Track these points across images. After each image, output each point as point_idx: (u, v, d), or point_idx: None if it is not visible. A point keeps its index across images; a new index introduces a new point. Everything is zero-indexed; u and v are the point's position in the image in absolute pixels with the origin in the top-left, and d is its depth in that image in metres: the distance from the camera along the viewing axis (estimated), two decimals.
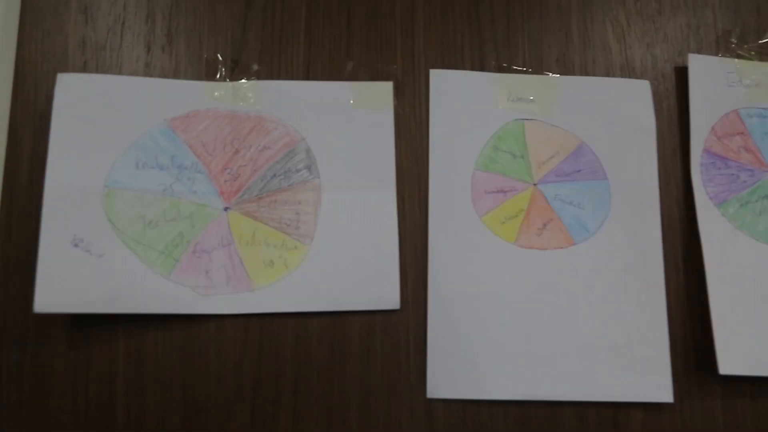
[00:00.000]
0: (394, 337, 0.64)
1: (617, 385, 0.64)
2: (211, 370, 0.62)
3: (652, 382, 0.64)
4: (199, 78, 0.67)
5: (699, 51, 0.72)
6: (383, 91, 0.68)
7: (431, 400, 0.63)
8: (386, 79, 0.69)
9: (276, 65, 0.69)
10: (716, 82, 0.71)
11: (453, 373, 0.63)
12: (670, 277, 0.67)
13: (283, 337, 0.63)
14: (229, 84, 0.67)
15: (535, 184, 0.68)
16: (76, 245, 0.61)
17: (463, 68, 0.70)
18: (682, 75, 0.70)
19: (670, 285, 0.67)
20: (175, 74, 0.67)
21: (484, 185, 0.67)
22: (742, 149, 0.69)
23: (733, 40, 0.72)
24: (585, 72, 0.71)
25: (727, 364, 0.63)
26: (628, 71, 0.71)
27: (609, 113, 0.69)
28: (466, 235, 0.66)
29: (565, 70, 0.71)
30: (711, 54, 0.72)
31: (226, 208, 0.64)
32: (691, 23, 0.73)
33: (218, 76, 0.67)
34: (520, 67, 0.70)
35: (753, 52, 0.72)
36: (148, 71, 0.67)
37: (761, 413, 0.65)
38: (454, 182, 0.67)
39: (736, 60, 0.71)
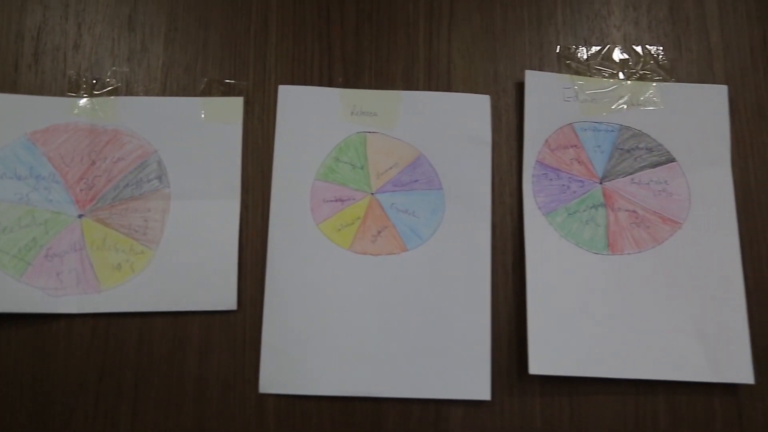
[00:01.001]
0: (231, 335, 0.70)
1: (439, 383, 0.69)
2: (60, 365, 0.68)
3: (472, 381, 0.69)
4: (62, 94, 0.74)
5: (541, 67, 0.77)
6: (233, 105, 0.74)
7: (263, 395, 0.69)
8: (238, 94, 0.75)
9: (134, 82, 0.75)
10: (552, 97, 0.75)
11: (284, 370, 0.69)
12: (498, 282, 0.72)
13: (127, 335, 0.70)
14: (89, 100, 0.73)
15: (372, 194, 0.73)
16: None
17: (312, 84, 0.75)
18: (522, 90, 0.75)
19: (498, 290, 0.71)
20: (40, 91, 0.74)
21: (323, 194, 0.73)
22: (574, 161, 0.74)
23: (572, 57, 0.77)
24: (429, 87, 0.76)
25: (537, 365, 0.68)
26: (471, 86, 0.76)
27: (448, 126, 0.74)
28: (303, 242, 0.71)
29: (410, 85, 0.76)
30: (551, 70, 0.76)
31: (80, 216, 0.71)
32: (534, 41, 0.78)
33: (79, 92, 0.74)
34: (366, 83, 0.76)
35: (590, 69, 0.76)
36: (15, 88, 0.74)
37: (577, 411, 0.70)
38: (295, 191, 0.73)
39: (573, 76, 0.76)
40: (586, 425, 0.69)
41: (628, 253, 0.72)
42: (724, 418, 0.70)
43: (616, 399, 0.70)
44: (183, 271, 0.70)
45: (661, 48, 0.77)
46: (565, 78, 0.76)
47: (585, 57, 0.76)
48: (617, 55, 0.77)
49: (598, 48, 0.77)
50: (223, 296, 0.69)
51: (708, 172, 0.74)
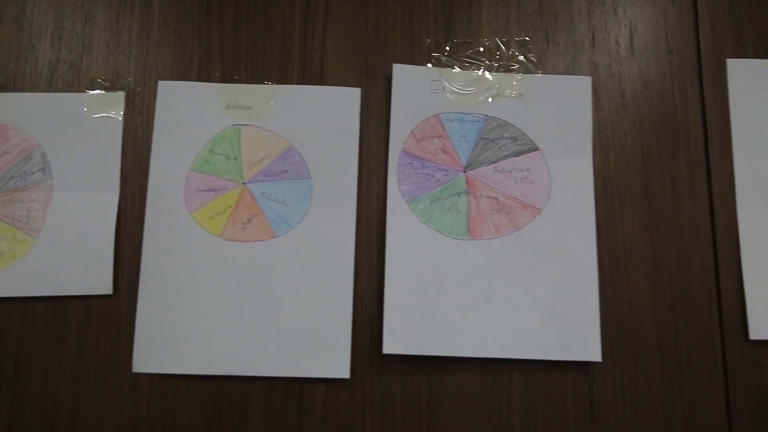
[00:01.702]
0: (107, 318, 0.75)
1: (302, 362, 0.73)
2: None
3: (333, 360, 0.73)
4: None
5: (412, 61, 0.81)
6: (115, 101, 0.79)
7: (136, 374, 0.74)
8: (120, 90, 0.79)
9: (21, 79, 0.79)
10: (419, 90, 0.79)
11: (156, 350, 0.73)
12: (362, 267, 0.76)
13: (9, 319, 0.75)
14: None
15: (244, 183, 0.77)
16: None
17: (191, 80, 0.80)
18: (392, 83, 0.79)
19: (362, 275, 0.76)
20: None
21: (197, 184, 0.77)
22: (439, 150, 0.78)
23: (441, 50, 0.80)
24: (303, 81, 0.80)
25: (391, 344, 0.72)
26: (344, 80, 0.80)
27: (319, 119, 0.79)
28: (176, 229, 0.76)
29: (284, 80, 0.80)
30: (422, 64, 0.80)
31: None
32: (405, 35, 0.81)
33: None
34: (243, 78, 0.80)
35: (459, 62, 0.80)
36: None
37: (435, 390, 0.74)
38: (170, 182, 0.77)
39: (441, 69, 0.80)
40: (443, 403, 0.73)
41: (488, 238, 0.76)
42: (576, 394, 0.74)
43: (473, 378, 0.74)
44: (62, 258, 0.74)
45: (529, 41, 0.81)
46: (432, 71, 0.79)
47: (454, 50, 0.80)
48: (486, 48, 0.80)
49: (468, 41, 0.80)
50: (100, 281, 0.74)
51: (569, 160, 0.78)
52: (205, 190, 0.76)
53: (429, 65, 0.79)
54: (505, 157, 0.78)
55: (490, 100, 0.78)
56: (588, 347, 0.73)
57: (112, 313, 0.74)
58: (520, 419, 0.73)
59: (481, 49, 0.80)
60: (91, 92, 0.78)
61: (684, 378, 0.74)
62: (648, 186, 0.78)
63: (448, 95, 0.78)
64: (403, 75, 0.79)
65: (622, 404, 0.73)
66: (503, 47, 0.80)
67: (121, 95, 0.78)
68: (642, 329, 0.75)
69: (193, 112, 0.78)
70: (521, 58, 0.80)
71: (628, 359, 0.74)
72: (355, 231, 0.76)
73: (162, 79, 0.79)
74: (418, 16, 0.81)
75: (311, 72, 0.80)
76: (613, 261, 0.76)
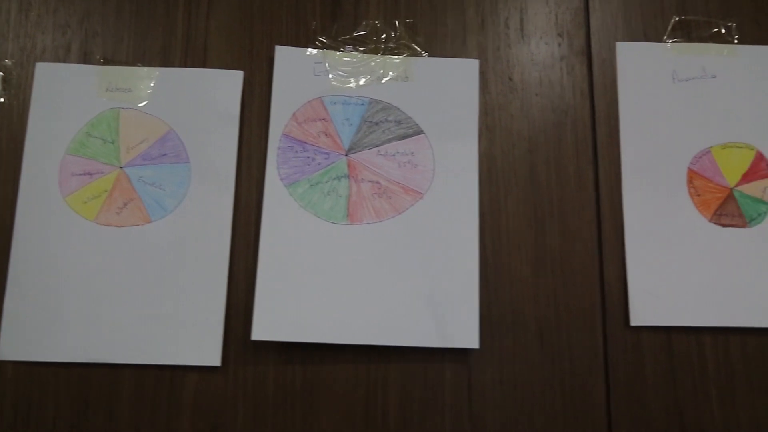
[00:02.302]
0: None
1: (173, 350, 0.72)
2: None
3: (204, 347, 0.72)
4: None
5: (297, 44, 0.79)
6: None
7: (2, 362, 0.72)
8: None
9: None
10: (302, 72, 0.78)
11: (24, 337, 0.72)
12: (239, 252, 0.75)
13: None
14: None
15: (121, 167, 0.76)
16: None
17: (71, 62, 0.78)
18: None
19: (239, 260, 0.74)
20: None
21: (72, 168, 0.76)
22: (321, 134, 0.77)
23: (327, 33, 0.79)
24: (185, 64, 0.79)
25: (260, 331, 0.71)
26: (227, 63, 0.79)
27: (200, 102, 0.77)
28: (49, 214, 0.74)
29: (167, 62, 0.79)
30: (308, 46, 0.79)
31: None
32: (291, 18, 0.80)
33: None
34: (124, 61, 0.79)
35: (344, 45, 0.79)
36: None
37: (309, 378, 0.73)
38: (44, 166, 0.76)
39: (326, 51, 0.79)
40: (317, 391, 0.72)
41: (367, 223, 0.75)
42: (453, 382, 0.73)
43: (349, 365, 0.73)
44: None
45: (417, 23, 0.80)
46: (316, 53, 0.78)
47: (340, 33, 0.79)
48: (373, 30, 0.79)
49: (355, 24, 0.79)
50: None
51: (455, 144, 0.77)
52: (81, 174, 0.75)
53: (313, 47, 0.78)
54: (389, 141, 0.76)
55: (375, 82, 0.77)
56: (466, 334, 0.72)
57: None
58: (396, 408, 0.72)
59: (368, 32, 0.79)
60: None
61: (564, 364, 0.73)
62: (534, 170, 0.77)
63: (331, 78, 0.77)
64: (285, 57, 0.78)
65: (501, 391, 0.73)
66: (391, 30, 0.79)
67: None
68: (523, 315, 0.74)
69: (71, 94, 0.77)
70: (408, 41, 0.79)
71: (507, 346, 0.73)
72: (233, 216, 0.74)
73: (41, 61, 0.78)
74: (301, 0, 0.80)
75: (194, 54, 0.78)
76: (496, 246, 0.75)
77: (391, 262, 0.73)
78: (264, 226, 0.73)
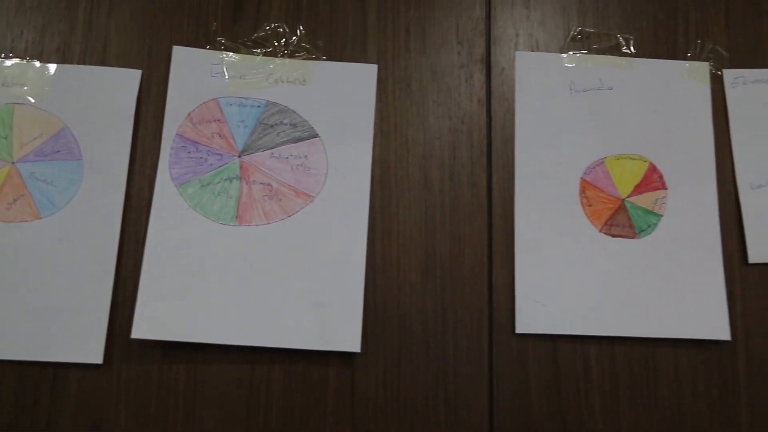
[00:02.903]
0: None
1: (55, 346, 0.72)
2: None
3: (86, 345, 0.72)
4: None
5: (197, 44, 0.80)
6: None
7: None
8: None
9: None
10: (199, 73, 0.79)
11: None
12: (129, 250, 0.75)
13: None
14: None
15: (13, 163, 0.76)
16: None
17: None
18: None
19: (127, 258, 0.75)
20: None
21: None
22: (216, 135, 0.78)
23: (227, 34, 0.80)
24: (84, 61, 0.79)
25: (141, 329, 0.72)
26: (126, 61, 0.80)
27: (95, 100, 0.78)
28: None
29: (66, 59, 0.79)
30: (209, 47, 0.80)
31: None
32: (192, 18, 0.81)
33: None
34: (21, 56, 0.79)
35: (243, 47, 0.80)
36: None
37: (193, 378, 0.73)
38: None
39: (224, 53, 0.79)
40: (201, 392, 0.73)
41: (256, 225, 0.75)
42: (337, 385, 0.74)
43: (233, 366, 0.73)
44: None
45: (318, 27, 0.81)
46: (214, 54, 0.79)
47: (240, 34, 0.80)
48: (273, 33, 0.80)
49: (255, 26, 0.80)
50: None
51: (349, 148, 0.78)
52: None
53: (212, 49, 0.79)
54: (283, 143, 0.77)
55: (272, 85, 0.78)
56: (348, 338, 0.73)
57: None
58: (279, 410, 0.72)
59: (269, 35, 0.80)
60: None
61: (449, 369, 0.74)
62: (427, 176, 0.78)
63: (228, 79, 0.78)
64: (183, 58, 0.78)
65: (384, 395, 0.73)
66: (291, 33, 0.80)
67: None
68: (410, 319, 0.75)
69: None
70: (308, 44, 0.80)
71: (393, 350, 0.74)
72: (124, 214, 0.75)
73: None
74: (206, 0, 0.81)
75: (94, 52, 0.79)
76: (385, 250, 0.76)
77: (277, 264, 0.74)
78: (151, 225, 0.74)
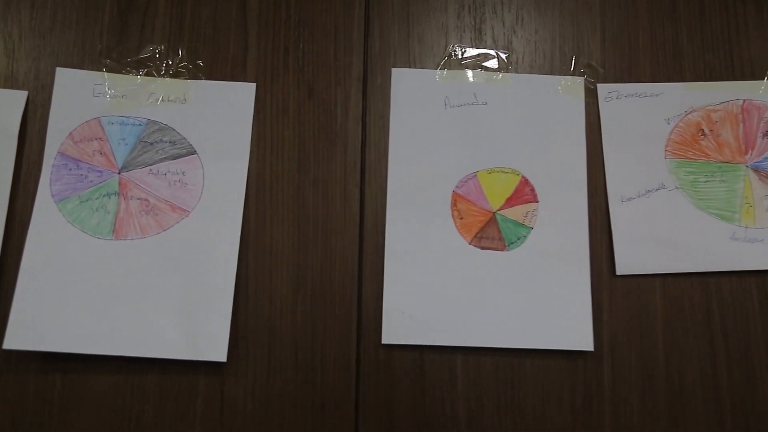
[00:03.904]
0: None
1: None
2: None
3: None
4: None
5: (82, 64, 0.84)
6: None
7: None
8: None
9: None
10: (82, 93, 0.83)
11: None
12: (11, 266, 0.79)
13: None
14: None
15: None
16: None
17: None
18: None
19: (8, 273, 0.79)
20: None
21: None
22: (96, 152, 0.82)
23: (111, 56, 0.84)
24: None
25: (13, 340, 0.76)
26: (12, 83, 0.84)
27: None
28: None
29: None
30: (93, 67, 0.84)
31: None
32: (79, 38, 0.85)
33: None
34: None
35: (126, 67, 0.84)
36: None
37: (68, 388, 0.77)
38: None
39: (108, 74, 0.84)
40: (75, 402, 0.76)
41: (132, 239, 0.79)
42: (206, 394, 0.77)
43: (109, 376, 0.77)
44: None
45: (198, 48, 0.85)
46: (97, 75, 0.83)
47: (124, 55, 0.84)
48: (155, 53, 0.84)
49: (139, 46, 0.84)
50: None
51: (225, 164, 0.82)
52: None
53: (96, 69, 0.83)
54: (162, 160, 0.81)
55: (153, 104, 0.82)
56: (215, 348, 0.76)
57: None
58: (150, 419, 0.76)
59: (151, 55, 0.84)
60: None
61: (316, 380, 0.77)
62: (301, 191, 0.81)
63: (110, 99, 0.82)
64: (66, 78, 0.82)
65: (253, 404, 0.76)
66: (174, 54, 0.84)
67: None
68: (280, 331, 0.78)
69: None
70: (190, 64, 0.83)
71: (262, 360, 0.77)
72: (6, 230, 0.78)
73: None
74: (93, 20, 0.85)
75: None
76: (258, 263, 0.79)
77: (150, 277, 0.77)
78: (28, 240, 0.78)
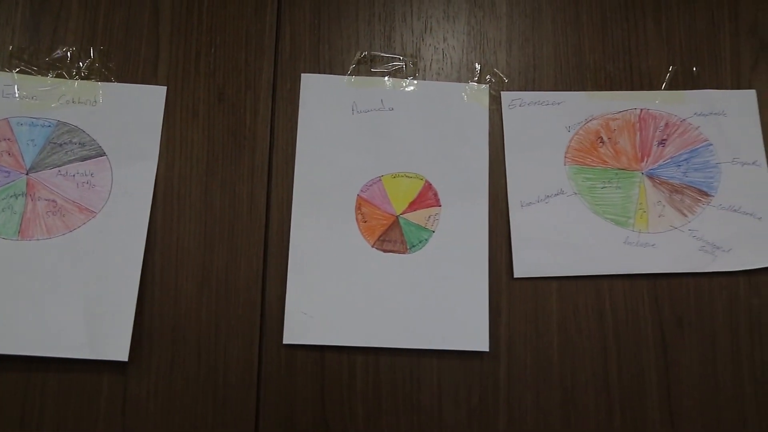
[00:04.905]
0: None
1: None
2: None
3: None
4: None
5: None
6: None
7: None
8: None
9: None
10: None
11: None
12: None
13: None
14: None
15: None
16: None
17: None
18: None
19: None
20: None
21: None
22: (5, 153, 0.83)
23: (22, 56, 0.86)
24: None
25: None
26: None
27: None
28: None
29: None
30: (4, 68, 0.85)
31: None
32: None
33: None
34: None
35: (37, 68, 0.85)
36: None
37: None
38: None
39: (18, 74, 0.85)
40: None
41: (38, 239, 0.81)
42: (109, 393, 0.79)
43: (10, 374, 0.78)
44: None
45: (109, 50, 0.86)
46: (7, 76, 0.85)
47: (35, 56, 0.85)
48: (67, 55, 0.86)
49: (51, 48, 0.86)
50: None
51: (134, 166, 0.84)
52: None
53: (5, 70, 0.84)
54: (71, 162, 0.83)
55: (64, 106, 0.84)
56: (117, 347, 0.78)
57: None
58: (51, 417, 0.77)
59: (63, 56, 0.85)
60: None
61: (219, 379, 0.79)
62: (208, 192, 0.83)
63: (20, 100, 0.84)
64: None
65: (155, 402, 0.79)
66: (85, 56, 0.86)
67: None
68: (184, 330, 0.80)
69: None
70: (101, 66, 0.85)
71: (166, 359, 0.79)
72: None
73: None
74: (4, 21, 0.87)
75: None
76: (164, 264, 0.81)
77: (55, 277, 0.79)
78: None
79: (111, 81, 0.85)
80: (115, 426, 0.78)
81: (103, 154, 0.83)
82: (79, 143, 0.83)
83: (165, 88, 0.85)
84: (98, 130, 0.84)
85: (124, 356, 0.77)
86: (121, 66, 0.86)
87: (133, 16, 0.88)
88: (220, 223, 0.83)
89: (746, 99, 0.87)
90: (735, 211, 0.84)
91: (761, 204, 0.84)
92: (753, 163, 0.85)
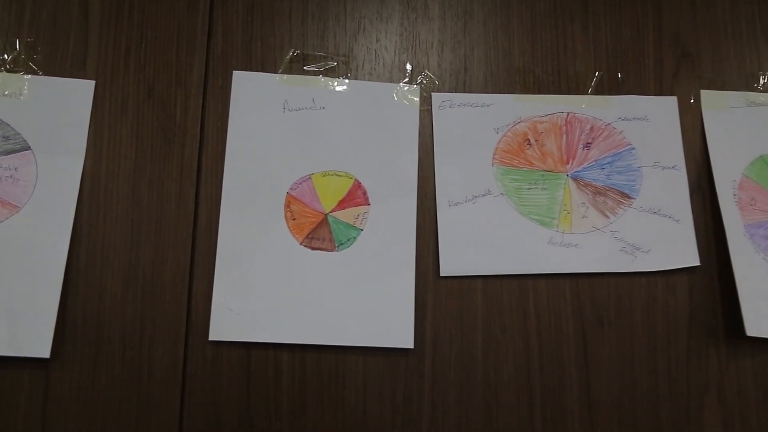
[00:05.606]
0: None
1: None
2: None
3: None
4: None
5: None
6: None
7: None
8: None
9: None
10: None
11: None
12: None
13: None
14: None
15: None
16: None
17: None
18: None
19: None
20: None
21: None
22: None
23: None
24: None
25: None
26: None
27: None
28: None
29: None
30: None
31: None
32: None
33: None
34: None
35: None
36: None
37: None
38: None
39: None
40: None
41: None
42: (30, 390, 0.79)
43: None
44: None
45: (36, 42, 0.86)
46: None
47: None
48: None
49: None
50: None
51: (60, 161, 0.83)
52: None
53: None
54: None
55: None
56: (38, 343, 0.78)
57: None
58: None
59: None
60: None
61: (143, 375, 0.80)
62: (137, 189, 0.83)
63: None
64: None
65: (78, 400, 0.79)
66: (11, 48, 0.85)
67: None
68: (108, 327, 0.80)
69: None
70: (27, 59, 0.84)
71: (89, 355, 0.79)
72: None
73: None
74: None
75: None
76: (89, 260, 0.81)
77: None
78: None
79: (38, 74, 0.84)
80: (35, 423, 0.78)
81: (29, 148, 0.83)
82: (3, 137, 0.83)
83: (93, 82, 0.85)
84: (24, 124, 0.83)
85: (45, 353, 0.77)
86: (49, 59, 0.86)
87: (61, 8, 0.87)
88: (148, 220, 0.83)
89: (668, 105, 0.91)
90: (655, 213, 0.87)
91: (680, 207, 0.87)
92: (673, 167, 0.89)
